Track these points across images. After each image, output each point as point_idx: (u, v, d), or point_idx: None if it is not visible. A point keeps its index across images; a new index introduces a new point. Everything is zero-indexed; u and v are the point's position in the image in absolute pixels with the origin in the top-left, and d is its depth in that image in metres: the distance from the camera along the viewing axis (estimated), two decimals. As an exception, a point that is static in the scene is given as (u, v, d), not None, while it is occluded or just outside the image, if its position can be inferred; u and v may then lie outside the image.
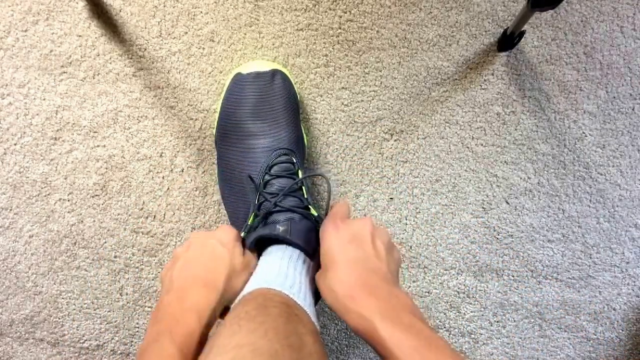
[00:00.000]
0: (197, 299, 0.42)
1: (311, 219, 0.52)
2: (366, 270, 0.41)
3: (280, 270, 0.46)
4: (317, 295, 0.54)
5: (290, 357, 0.33)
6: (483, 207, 0.68)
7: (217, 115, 0.60)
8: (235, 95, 0.57)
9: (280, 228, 0.49)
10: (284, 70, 0.60)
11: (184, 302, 0.42)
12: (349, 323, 0.39)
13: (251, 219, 0.53)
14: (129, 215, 0.65)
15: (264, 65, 0.58)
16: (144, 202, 0.65)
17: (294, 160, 0.55)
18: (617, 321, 0.72)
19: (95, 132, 0.63)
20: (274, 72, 0.57)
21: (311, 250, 0.50)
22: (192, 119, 0.64)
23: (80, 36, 0.61)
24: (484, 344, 0.72)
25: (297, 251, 0.49)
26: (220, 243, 0.48)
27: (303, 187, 0.54)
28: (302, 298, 0.43)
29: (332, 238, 0.43)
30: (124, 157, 0.64)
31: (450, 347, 0.36)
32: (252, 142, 0.56)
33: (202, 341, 0.40)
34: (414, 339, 0.36)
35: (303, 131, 0.61)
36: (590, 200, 0.68)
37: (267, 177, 0.54)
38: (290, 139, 0.57)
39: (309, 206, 0.53)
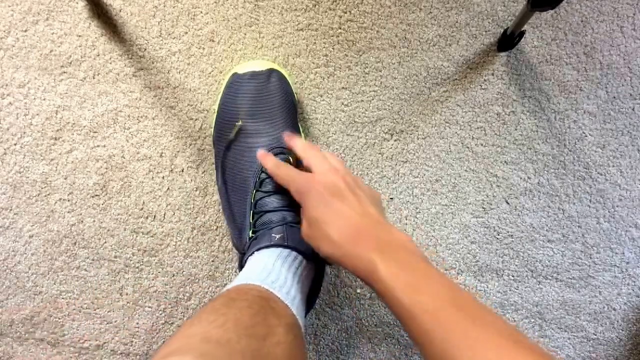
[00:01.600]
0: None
1: None
2: (359, 216, 0.41)
3: (265, 267, 0.46)
4: (312, 293, 0.55)
5: (247, 345, 0.33)
6: (483, 207, 0.68)
7: (214, 115, 0.60)
8: (232, 95, 0.57)
9: (276, 236, 0.50)
10: (280, 69, 0.60)
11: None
12: (349, 266, 0.39)
13: (250, 216, 0.53)
14: (129, 215, 0.65)
15: (260, 65, 0.58)
16: (144, 202, 0.65)
17: (291, 159, 0.55)
18: (617, 321, 0.72)
19: (95, 132, 0.63)
20: (270, 72, 0.57)
21: (308, 251, 0.50)
22: (192, 119, 0.64)
23: (80, 36, 0.61)
24: (484, 344, 0.72)
25: (291, 252, 0.50)
26: None
27: None
28: (285, 292, 0.43)
29: (313, 196, 0.43)
30: (124, 157, 0.64)
31: (446, 277, 0.36)
32: (250, 142, 0.56)
33: None
34: (410, 274, 0.36)
35: (301, 130, 0.61)
36: (590, 200, 0.68)
37: (263, 176, 0.54)
38: None
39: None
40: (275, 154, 0.55)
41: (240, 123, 0.55)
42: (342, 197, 0.42)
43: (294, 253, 0.50)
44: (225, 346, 0.32)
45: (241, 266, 0.53)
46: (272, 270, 0.46)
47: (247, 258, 0.51)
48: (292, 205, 0.53)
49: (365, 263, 0.37)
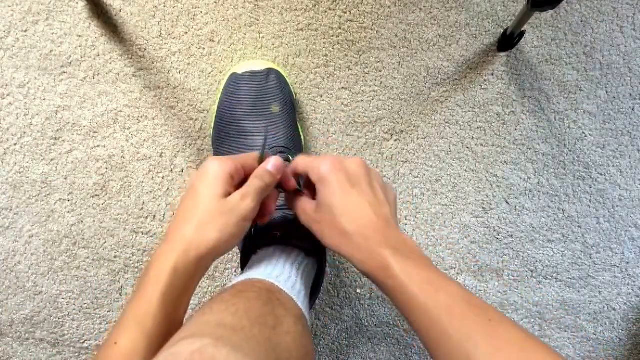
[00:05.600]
0: (157, 264, 0.38)
1: None
2: (374, 214, 0.40)
3: (268, 263, 0.47)
4: (315, 289, 0.55)
5: (259, 333, 0.33)
6: (483, 207, 0.68)
7: (213, 115, 0.60)
8: (230, 94, 0.57)
9: (278, 234, 0.50)
10: (279, 69, 0.60)
11: (149, 266, 0.39)
12: (356, 259, 0.38)
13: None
14: (129, 215, 0.65)
15: (259, 65, 0.58)
16: (143, 202, 0.65)
17: (291, 158, 0.56)
18: (617, 321, 0.72)
19: (95, 132, 0.63)
20: (269, 71, 0.57)
21: (310, 248, 0.50)
22: (192, 119, 0.64)
23: (80, 36, 0.61)
24: (484, 344, 0.72)
25: (293, 248, 0.50)
26: (195, 186, 0.42)
27: (300, 184, 0.54)
28: (290, 286, 0.43)
29: (333, 182, 0.41)
30: (124, 157, 0.64)
31: (458, 282, 0.36)
32: (248, 141, 0.56)
33: (167, 312, 0.37)
34: (424, 272, 0.36)
35: (300, 130, 0.62)
36: (590, 200, 0.68)
37: None
38: (286, 137, 0.57)
39: None
40: (274, 153, 0.55)
41: (277, 109, 0.53)
42: (361, 190, 0.41)
43: (296, 250, 0.50)
44: (240, 332, 0.32)
45: (243, 265, 0.53)
46: (276, 266, 0.46)
47: (250, 256, 0.51)
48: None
49: (377, 258, 0.37)
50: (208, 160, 0.42)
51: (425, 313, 0.34)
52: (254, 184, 0.42)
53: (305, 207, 0.43)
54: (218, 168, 0.41)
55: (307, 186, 0.47)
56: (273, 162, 0.44)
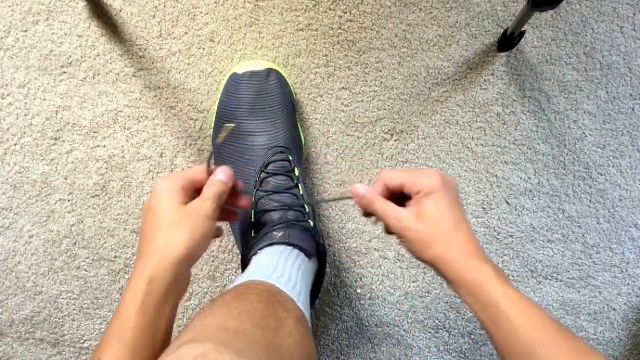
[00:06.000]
0: (133, 280, 0.38)
1: (306, 219, 0.53)
2: (472, 233, 0.41)
3: (269, 263, 0.47)
4: (315, 290, 0.55)
5: (261, 336, 0.33)
6: (483, 207, 0.68)
7: (213, 115, 0.60)
8: (230, 94, 0.57)
9: (278, 234, 0.50)
10: (279, 69, 0.60)
11: (126, 287, 0.39)
12: (454, 272, 0.39)
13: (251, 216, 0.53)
14: (129, 215, 0.65)
15: (259, 65, 0.58)
16: (143, 202, 0.65)
17: (290, 158, 0.55)
18: (617, 321, 0.72)
19: (95, 132, 0.63)
20: (269, 71, 0.57)
21: (310, 249, 0.50)
22: (192, 119, 0.64)
23: (80, 36, 0.61)
24: (483, 344, 0.72)
25: (293, 249, 0.50)
26: (152, 206, 0.41)
27: (299, 185, 0.54)
28: (291, 288, 0.44)
29: (444, 198, 0.41)
30: (124, 157, 0.64)
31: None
32: (248, 141, 0.56)
33: (146, 328, 0.37)
34: (516, 292, 0.37)
35: (300, 130, 0.62)
36: (590, 200, 0.68)
37: (263, 175, 0.54)
38: (286, 137, 0.57)
39: (305, 204, 0.54)
40: (274, 153, 0.55)
41: (232, 125, 0.54)
42: (461, 207, 0.42)
43: (296, 251, 0.50)
44: (242, 336, 0.32)
45: (244, 265, 0.53)
46: (277, 267, 0.46)
47: (251, 257, 0.51)
48: (293, 204, 0.53)
49: (477, 273, 0.38)
50: (157, 181, 0.43)
51: (516, 331, 0.35)
52: (208, 191, 0.42)
53: (400, 215, 0.41)
54: (168, 183, 0.41)
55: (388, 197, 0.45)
56: (222, 171, 0.44)
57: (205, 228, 0.40)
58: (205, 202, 0.41)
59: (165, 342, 0.38)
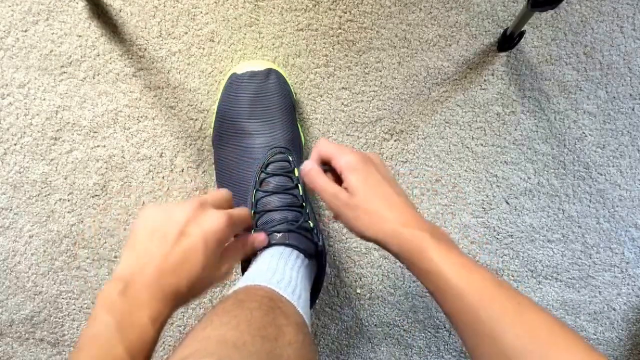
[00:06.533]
0: (154, 305, 0.35)
1: (306, 220, 0.53)
2: (408, 203, 0.42)
3: (269, 266, 0.47)
4: (315, 291, 0.55)
5: (261, 347, 0.33)
6: (483, 207, 0.68)
7: (214, 115, 0.60)
8: (230, 95, 0.57)
9: (278, 235, 0.50)
10: (279, 69, 0.60)
11: (137, 303, 0.35)
12: (393, 244, 0.39)
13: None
14: (129, 215, 0.65)
15: (259, 65, 0.58)
16: (144, 202, 0.65)
17: (290, 159, 0.55)
18: (617, 321, 0.72)
19: (95, 132, 0.63)
20: (269, 71, 0.57)
21: (310, 250, 0.50)
22: (192, 119, 0.64)
23: (80, 36, 0.61)
24: (484, 344, 0.72)
25: (293, 250, 0.50)
26: (190, 231, 0.39)
27: (299, 185, 0.54)
28: (291, 291, 0.44)
29: (369, 169, 0.42)
30: (124, 157, 0.64)
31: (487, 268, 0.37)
32: (249, 141, 0.56)
33: (154, 343, 0.35)
34: (459, 256, 0.37)
35: (300, 130, 0.62)
36: (590, 200, 0.68)
37: (262, 175, 0.54)
38: (285, 137, 0.57)
39: (304, 204, 0.54)
40: (274, 154, 0.55)
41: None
42: (389, 181, 0.43)
43: (296, 252, 0.50)
44: (242, 349, 0.32)
45: (244, 267, 0.53)
46: (277, 270, 0.46)
47: (251, 258, 0.51)
48: (293, 205, 0.53)
49: (414, 241, 0.38)
50: (207, 205, 0.41)
51: (459, 296, 0.35)
52: (233, 258, 0.44)
53: (337, 192, 0.42)
54: (223, 223, 0.40)
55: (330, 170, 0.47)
56: (258, 236, 0.49)
57: (210, 283, 0.41)
58: (225, 268, 0.42)
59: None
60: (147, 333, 0.34)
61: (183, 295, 0.37)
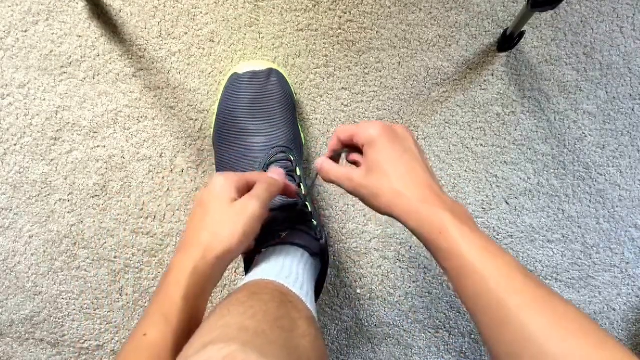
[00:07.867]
0: (176, 269, 0.40)
1: (309, 218, 0.53)
2: (430, 177, 0.40)
3: (276, 262, 0.47)
4: (318, 288, 0.55)
5: (279, 337, 0.33)
6: (483, 208, 0.68)
7: (214, 115, 0.60)
8: (231, 95, 0.57)
9: (282, 234, 0.50)
10: (280, 69, 0.60)
11: (168, 272, 0.41)
12: (412, 220, 0.38)
13: None
14: (129, 215, 0.65)
15: (259, 65, 0.58)
16: (144, 203, 0.65)
17: (292, 158, 0.56)
18: (617, 321, 0.72)
19: (95, 132, 0.63)
20: (270, 71, 0.57)
21: (313, 248, 0.50)
22: (192, 119, 0.64)
23: (80, 36, 0.61)
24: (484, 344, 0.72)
25: (298, 248, 0.50)
26: (204, 200, 0.44)
27: (301, 184, 0.54)
28: (299, 287, 0.44)
29: (385, 145, 0.40)
30: (124, 158, 0.64)
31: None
32: (250, 141, 0.56)
33: (190, 306, 0.39)
34: (481, 237, 0.35)
35: (300, 130, 0.62)
36: (590, 201, 0.68)
37: None
38: (287, 136, 0.57)
39: (307, 202, 0.54)
40: (276, 153, 0.55)
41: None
42: (413, 154, 0.41)
43: (301, 250, 0.50)
44: (262, 336, 0.32)
45: (247, 264, 0.53)
46: (284, 266, 0.46)
47: (255, 256, 0.51)
48: (296, 203, 0.53)
49: (434, 220, 0.36)
50: (214, 176, 0.45)
51: (482, 280, 0.33)
52: (258, 188, 0.44)
53: (350, 174, 0.42)
54: (223, 179, 0.44)
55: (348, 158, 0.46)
56: (275, 170, 0.48)
57: (249, 228, 0.42)
58: (252, 200, 0.42)
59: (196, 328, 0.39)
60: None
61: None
